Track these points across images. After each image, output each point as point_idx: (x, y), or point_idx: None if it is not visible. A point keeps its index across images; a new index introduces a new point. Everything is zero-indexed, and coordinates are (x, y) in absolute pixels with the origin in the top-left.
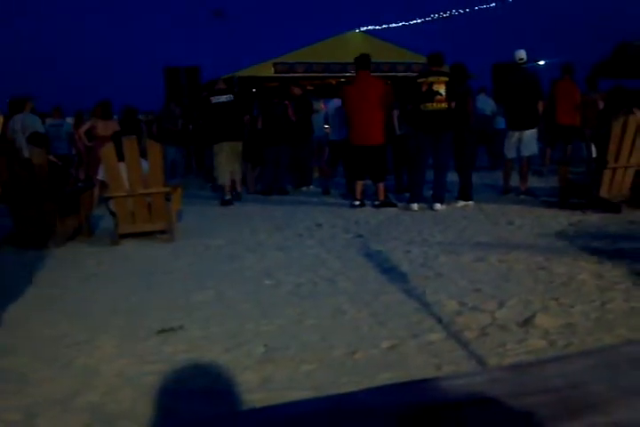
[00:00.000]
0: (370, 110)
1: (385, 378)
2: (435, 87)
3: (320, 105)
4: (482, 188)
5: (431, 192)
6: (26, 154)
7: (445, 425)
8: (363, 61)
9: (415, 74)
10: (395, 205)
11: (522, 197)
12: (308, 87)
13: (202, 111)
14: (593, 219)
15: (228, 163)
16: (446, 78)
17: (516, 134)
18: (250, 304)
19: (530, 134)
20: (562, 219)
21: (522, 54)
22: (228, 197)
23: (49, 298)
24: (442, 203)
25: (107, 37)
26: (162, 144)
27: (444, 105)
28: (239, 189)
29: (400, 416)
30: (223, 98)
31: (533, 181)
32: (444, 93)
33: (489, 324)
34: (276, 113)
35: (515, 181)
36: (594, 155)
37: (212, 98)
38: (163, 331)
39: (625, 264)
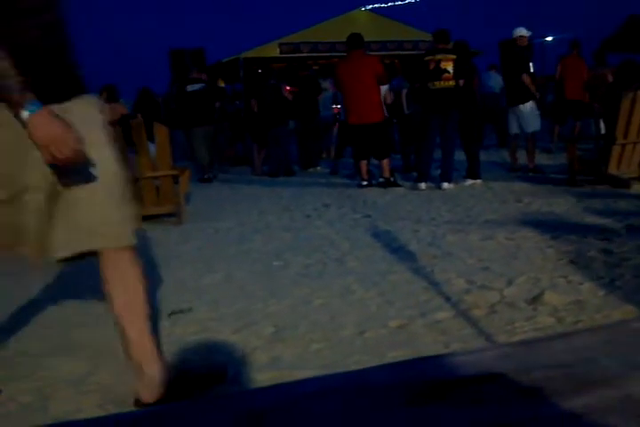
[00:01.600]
0: (364, 89)
1: (394, 356)
2: (442, 65)
3: (327, 84)
4: (490, 166)
5: (439, 171)
6: None
7: (456, 401)
8: (355, 40)
9: (422, 52)
10: (399, 185)
11: (530, 174)
12: (314, 67)
13: (177, 98)
14: (602, 195)
15: (203, 145)
16: (454, 56)
17: (513, 110)
18: (258, 285)
19: (527, 109)
20: (570, 196)
21: (520, 31)
22: (207, 175)
23: (59, 281)
24: (449, 182)
25: (112, 22)
26: (169, 127)
27: (451, 83)
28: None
29: (412, 392)
30: (197, 86)
31: (542, 158)
32: (451, 71)
33: (497, 302)
34: (272, 94)
35: (523, 158)
36: (602, 131)
37: (187, 86)
38: (173, 313)
39: (634, 240)
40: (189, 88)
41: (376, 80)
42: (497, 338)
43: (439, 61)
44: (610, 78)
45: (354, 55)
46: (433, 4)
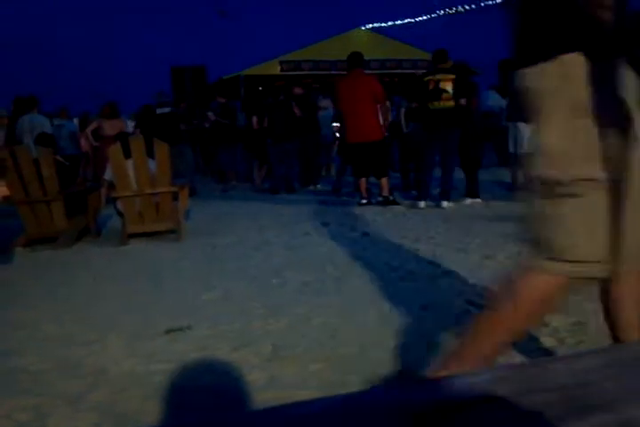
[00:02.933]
0: (362, 107)
1: (394, 377)
2: (442, 85)
3: (327, 102)
4: (489, 185)
5: (438, 190)
6: (33, 154)
7: (456, 424)
8: (354, 59)
9: (422, 71)
10: (398, 204)
11: None
12: (314, 85)
13: (146, 120)
14: None
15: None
16: (453, 75)
17: (513, 127)
18: (257, 303)
19: (524, 128)
20: None
21: None
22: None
23: (58, 298)
24: (449, 200)
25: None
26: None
27: (450, 103)
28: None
29: (410, 415)
30: (166, 109)
31: None
32: (450, 91)
33: None
34: (280, 111)
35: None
36: None
37: (157, 109)
38: (171, 330)
39: None
40: (159, 111)
41: (374, 98)
42: (497, 359)
43: (439, 81)
44: None
45: (353, 74)
46: (432, 24)
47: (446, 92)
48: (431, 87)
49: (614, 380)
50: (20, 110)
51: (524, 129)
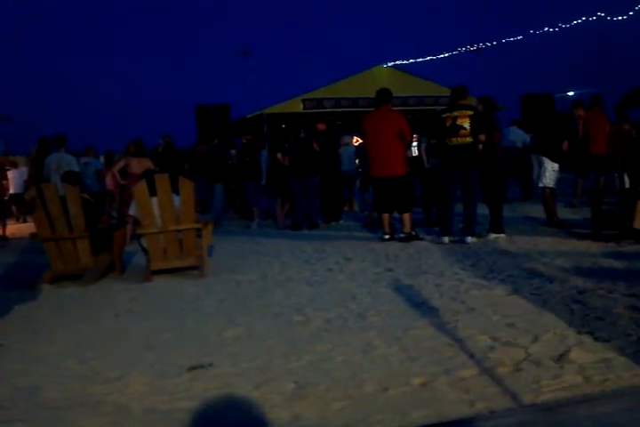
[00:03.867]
0: (387, 143)
1: (417, 416)
2: (459, 121)
3: (349, 139)
4: (513, 220)
5: (461, 225)
6: (60, 192)
7: None
8: (381, 95)
9: (443, 107)
10: (420, 239)
11: (553, 229)
12: (337, 122)
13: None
14: (627, 250)
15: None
16: (470, 112)
17: (537, 159)
18: (280, 340)
19: (546, 163)
20: (595, 251)
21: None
22: None
23: (81, 335)
24: (473, 236)
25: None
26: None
27: (468, 139)
28: None
29: None
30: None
31: (565, 213)
32: (468, 128)
33: (523, 359)
34: (301, 147)
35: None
36: (627, 185)
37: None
38: (193, 368)
39: None
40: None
41: (399, 134)
42: (523, 397)
43: (456, 118)
44: (633, 133)
45: (380, 110)
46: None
47: (463, 128)
48: (448, 124)
49: (637, 424)
50: (45, 149)
51: (548, 163)
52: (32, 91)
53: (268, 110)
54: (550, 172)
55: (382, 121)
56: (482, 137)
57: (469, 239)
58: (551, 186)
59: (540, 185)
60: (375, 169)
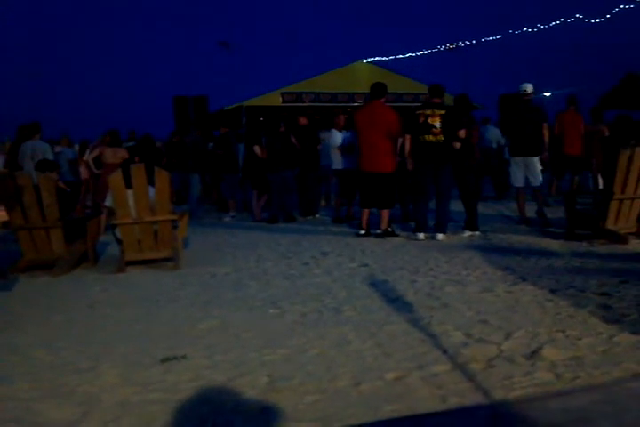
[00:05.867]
0: (377, 138)
1: (389, 410)
2: (430, 120)
3: (327, 134)
4: (488, 218)
5: (434, 222)
6: (34, 180)
7: None
8: (376, 89)
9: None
10: (397, 235)
11: (527, 227)
12: (316, 117)
13: (147, 148)
14: (600, 250)
15: None
16: (442, 111)
17: (520, 161)
18: (254, 333)
19: (534, 162)
20: (568, 250)
21: (527, 87)
22: None
23: (53, 325)
24: (444, 233)
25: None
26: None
27: (440, 137)
28: None
29: None
30: (130, 143)
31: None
32: (438, 127)
33: (495, 356)
34: (280, 141)
35: (530, 211)
36: (600, 185)
37: (124, 143)
38: (166, 359)
39: (632, 296)
40: (124, 144)
41: (389, 130)
42: (494, 393)
43: (428, 116)
44: (606, 134)
45: (373, 104)
46: (433, 59)
47: (434, 127)
48: (421, 121)
49: (609, 417)
50: (23, 137)
51: (537, 163)
52: (6, 79)
53: (247, 103)
54: (537, 168)
55: (374, 116)
56: (461, 133)
57: (440, 236)
58: (542, 182)
59: (538, 184)
60: (365, 163)
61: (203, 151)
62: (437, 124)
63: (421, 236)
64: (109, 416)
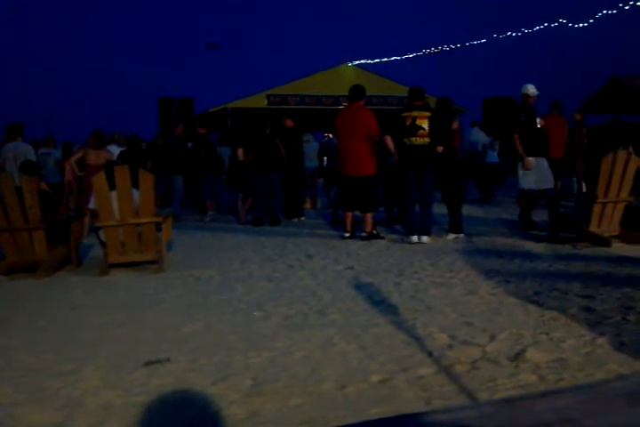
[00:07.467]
0: (357, 141)
1: (375, 413)
2: (418, 122)
3: (310, 137)
4: (473, 220)
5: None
6: (16, 182)
7: None
8: (354, 92)
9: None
10: (381, 238)
11: (511, 230)
12: (300, 119)
13: (133, 150)
14: (583, 253)
15: None
16: (429, 113)
17: (533, 161)
18: (239, 336)
19: (547, 164)
20: (552, 253)
21: (534, 89)
22: None
23: (35, 328)
24: (428, 235)
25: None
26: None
27: (426, 140)
28: None
29: None
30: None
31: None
32: (427, 128)
33: (479, 358)
34: (266, 144)
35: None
36: (584, 189)
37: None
38: (150, 363)
39: (615, 298)
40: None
41: (369, 133)
42: (478, 395)
43: (415, 118)
44: (585, 139)
45: (352, 107)
46: (418, 62)
47: (422, 129)
48: (408, 123)
49: (596, 417)
50: (9, 137)
51: (546, 164)
52: None
53: (232, 105)
54: (548, 169)
55: (353, 119)
56: (439, 149)
57: (425, 239)
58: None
59: (551, 186)
60: (346, 167)
61: (182, 151)
62: (426, 125)
63: (415, 238)
64: (92, 420)
